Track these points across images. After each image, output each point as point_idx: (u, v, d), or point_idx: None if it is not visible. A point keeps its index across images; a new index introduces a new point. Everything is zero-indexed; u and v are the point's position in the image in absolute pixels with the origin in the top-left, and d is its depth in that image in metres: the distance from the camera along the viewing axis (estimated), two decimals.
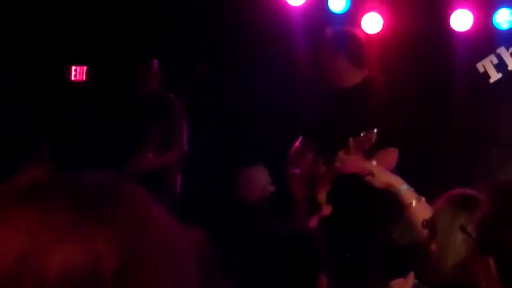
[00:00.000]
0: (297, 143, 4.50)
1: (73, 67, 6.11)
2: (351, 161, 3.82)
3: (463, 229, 2.28)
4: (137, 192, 0.85)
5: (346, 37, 4.32)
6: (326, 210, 4.15)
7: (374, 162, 3.87)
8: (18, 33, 5.72)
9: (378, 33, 5.69)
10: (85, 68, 6.13)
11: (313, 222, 4.11)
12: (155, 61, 5.44)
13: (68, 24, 5.87)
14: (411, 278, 2.54)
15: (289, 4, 5.67)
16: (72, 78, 6.12)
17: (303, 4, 5.67)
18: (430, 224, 2.56)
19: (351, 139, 3.81)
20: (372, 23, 5.67)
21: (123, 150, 5.13)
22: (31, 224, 0.76)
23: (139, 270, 0.78)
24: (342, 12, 5.67)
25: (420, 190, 3.12)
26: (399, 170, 4.80)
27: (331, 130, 4.17)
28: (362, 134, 3.79)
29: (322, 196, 4.18)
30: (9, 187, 0.81)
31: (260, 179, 4.46)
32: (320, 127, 4.31)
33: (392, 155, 4.03)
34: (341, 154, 3.85)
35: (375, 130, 3.78)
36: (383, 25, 5.68)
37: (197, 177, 5.77)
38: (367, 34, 5.54)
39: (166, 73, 5.91)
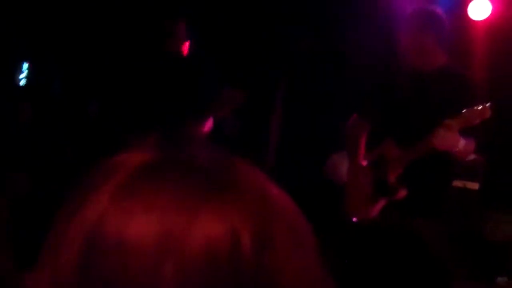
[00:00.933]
0: (352, 122, 4.31)
1: None
2: (451, 138, 3.70)
3: None
4: (254, 170, 0.83)
5: (436, 17, 4.15)
6: (402, 193, 4.04)
7: (463, 142, 3.76)
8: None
9: (485, 19, 5.50)
10: None
11: (380, 205, 4.01)
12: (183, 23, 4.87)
13: None
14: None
15: None
16: None
17: None
18: None
19: (451, 117, 3.69)
20: (480, 9, 5.48)
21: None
22: (166, 203, 0.76)
23: (272, 250, 0.77)
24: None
25: None
26: (495, 167, 4.67)
27: (409, 114, 4.02)
28: (467, 110, 3.66)
29: (393, 179, 4.06)
30: (125, 167, 0.80)
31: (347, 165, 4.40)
32: (395, 110, 4.15)
33: (472, 145, 3.89)
34: (441, 130, 3.73)
35: (488, 105, 3.65)
36: (491, 11, 5.48)
37: (289, 160, 5.78)
38: (474, 20, 5.38)
39: (264, 52, 5.91)
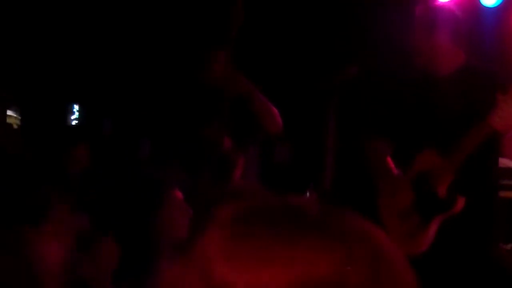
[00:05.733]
0: (372, 145, 3.85)
1: None
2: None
3: None
4: (360, 219, 0.88)
5: (445, 13, 3.83)
6: (460, 203, 3.54)
7: None
8: None
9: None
10: None
11: (436, 224, 3.57)
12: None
13: None
14: None
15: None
16: None
17: None
18: None
19: None
20: None
21: None
22: (312, 252, 0.81)
23: None
24: (494, 6, 5.40)
25: None
26: None
27: (436, 123, 3.68)
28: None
29: (444, 191, 3.55)
30: (303, 214, 0.87)
31: None
32: (417, 122, 3.78)
33: None
34: (498, 107, 3.42)
35: None
36: None
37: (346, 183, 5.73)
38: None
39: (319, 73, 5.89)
